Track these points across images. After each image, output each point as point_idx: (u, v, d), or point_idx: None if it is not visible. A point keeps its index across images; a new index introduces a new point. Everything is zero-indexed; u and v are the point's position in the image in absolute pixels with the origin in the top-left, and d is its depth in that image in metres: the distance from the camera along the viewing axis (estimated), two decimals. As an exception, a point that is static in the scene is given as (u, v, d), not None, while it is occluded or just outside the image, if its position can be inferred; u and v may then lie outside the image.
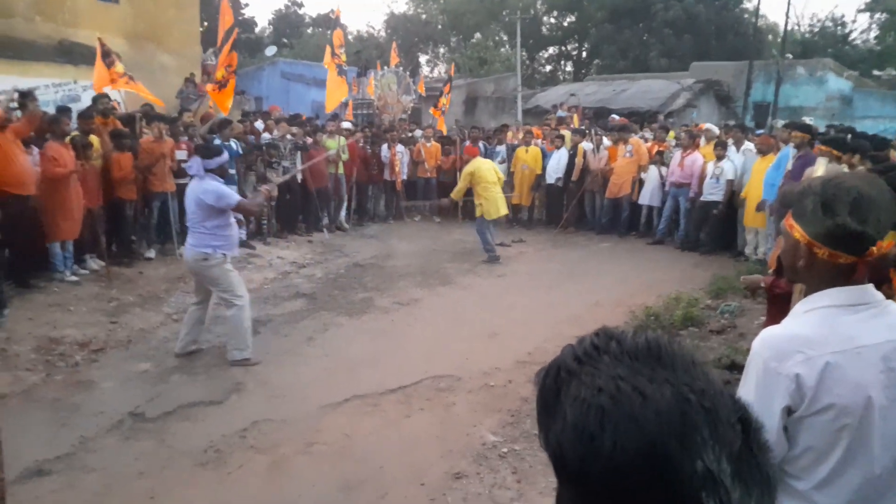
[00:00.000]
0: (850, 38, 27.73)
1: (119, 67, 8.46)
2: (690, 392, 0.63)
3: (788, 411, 1.43)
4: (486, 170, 8.70)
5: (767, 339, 1.48)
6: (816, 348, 1.40)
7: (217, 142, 8.57)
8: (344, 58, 11.24)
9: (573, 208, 10.80)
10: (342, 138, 10.54)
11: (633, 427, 0.61)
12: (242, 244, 8.81)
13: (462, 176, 8.88)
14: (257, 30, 39.00)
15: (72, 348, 5.36)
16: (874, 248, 1.39)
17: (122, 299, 6.57)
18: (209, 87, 9.62)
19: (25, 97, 6.10)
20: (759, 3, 25.18)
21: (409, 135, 12.07)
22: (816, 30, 28.63)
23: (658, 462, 0.60)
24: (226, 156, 5.33)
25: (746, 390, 1.47)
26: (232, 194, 5.26)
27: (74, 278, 6.79)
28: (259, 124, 10.59)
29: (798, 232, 1.46)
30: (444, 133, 13.05)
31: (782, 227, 1.55)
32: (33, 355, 5.17)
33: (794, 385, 1.40)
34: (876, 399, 1.38)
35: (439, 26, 34.54)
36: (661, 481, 0.60)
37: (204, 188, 5.08)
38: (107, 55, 8.47)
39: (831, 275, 1.44)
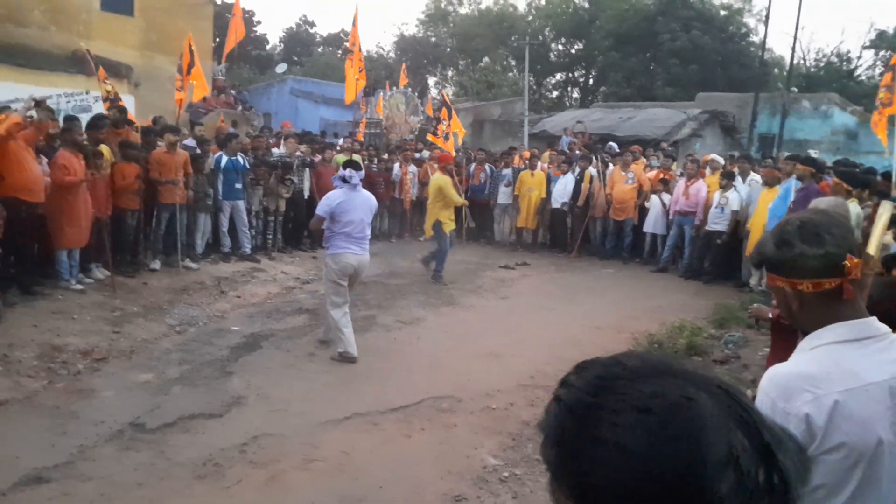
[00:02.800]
0: (856, 74, 27.98)
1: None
2: (718, 389, 0.65)
3: None
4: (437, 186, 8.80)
5: (775, 378, 1.48)
6: (824, 387, 1.39)
7: (222, 155, 8.66)
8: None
9: (581, 234, 10.83)
10: (358, 157, 10.66)
11: (696, 431, 0.60)
12: (247, 257, 8.87)
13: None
14: (268, 47, 39.47)
15: (74, 356, 5.36)
16: (847, 263, 1.42)
17: (125, 309, 6.58)
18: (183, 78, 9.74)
19: (39, 105, 6.17)
20: (765, 36, 25.50)
21: (417, 155, 12.16)
22: (822, 64, 28.90)
23: (727, 460, 0.60)
24: (363, 172, 6.04)
25: None
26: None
27: (79, 287, 6.80)
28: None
29: (778, 280, 1.51)
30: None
31: (767, 284, 1.60)
32: (35, 362, 5.16)
33: (805, 425, 1.39)
34: (885, 436, 1.38)
35: (448, 49, 34.93)
36: (735, 476, 0.60)
37: (367, 197, 5.76)
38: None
39: (826, 305, 1.46)
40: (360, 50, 12.04)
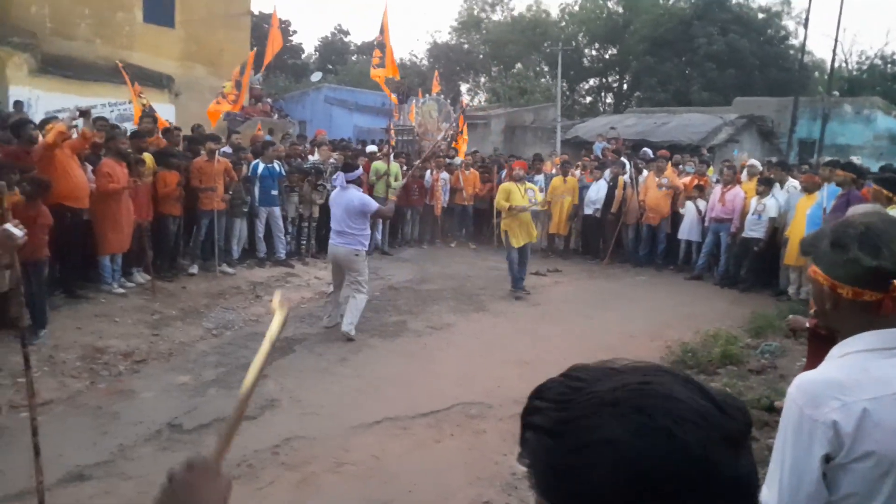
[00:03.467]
0: (901, 77, 27.14)
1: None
2: (661, 371, 0.71)
3: (827, 458, 1.41)
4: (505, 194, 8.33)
5: (802, 386, 1.46)
6: (852, 394, 1.37)
7: (259, 162, 8.86)
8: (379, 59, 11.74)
9: (614, 240, 10.73)
10: (396, 164, 10.82)
11: (665, 412, 0.65)
12: (281, 263, 9.03)
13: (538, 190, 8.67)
14: (304, 56, 40.16)
15: (115, 358, 5.53)
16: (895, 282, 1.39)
17: (164, 313, 6.77)
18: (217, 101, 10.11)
19: (85, 115, 6.41)
20: (805, 39, 24.95)
21: (448, 162, 12.23)
22: (865, 67, 28.11)
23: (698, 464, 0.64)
24: (361, 170, 6.82)
25: (784, 437, 1.45)
26: (371, 202, 6.50)
27: (121, 290, 7.03)
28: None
29: (820, 275, 1.47)
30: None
31: (808, 274, 1.56)
32: (79, 363, 5.35)
33: (832, 432, 1.37)
34: None
35: (481, 56, 35.03)
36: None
37: (350, 197, 6.36)
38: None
39: (861, 314, 1.43)
40: (385, 45, 12.00)
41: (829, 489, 1.43)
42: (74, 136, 6.43)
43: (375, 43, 11.88)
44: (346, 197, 6.39)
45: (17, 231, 2.81)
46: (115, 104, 13.48)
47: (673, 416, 0.64)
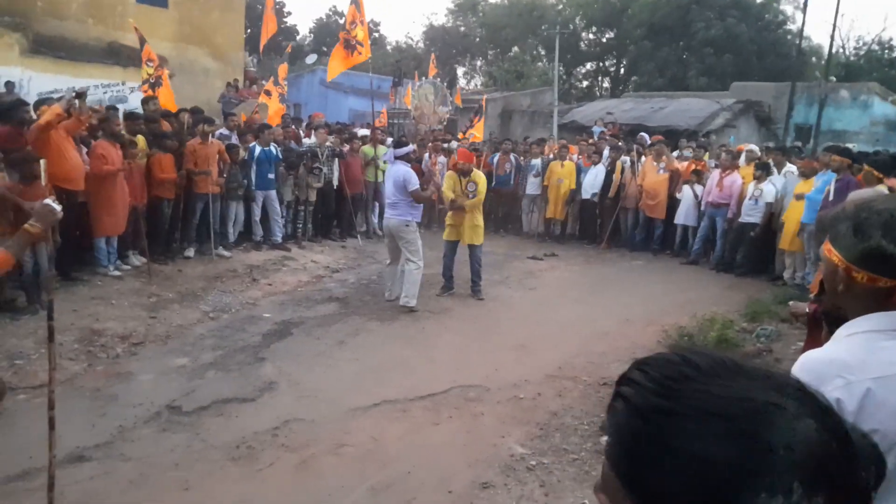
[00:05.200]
0: (898, 63, 27.10)
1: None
2: (798, 391, 0.62)
3: None
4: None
5: (806, 364, 1.47)
6: (856, 373, 1.39)
7: (255, 145, 8.79)
8: (356, 34, 11.04)
9: (611, 225, 10.74)
10: (383, 147, 10.72)
11: (781, 446, 0.57)
12: (278, 246, 9.00)
13: (482, 185, 7.46)
14: (298, 38, 39.76)
15: (113, 340, 5.52)
16: None
17: (161, 295, 6.75)
18: (262, 96, 10.03)
19: (80, 97, 6.34)
20: (803, 24, 24.85)
21: (445, 146, 12.17)
22: (862, 53, 28.04)
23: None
24: (411, 147, 7.42)
25: None
26: (413, 181, 6.75)
27: (117, 273, 7.00)
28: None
29: (836, 256, 1.46)
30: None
31: (821, 252, 1.55)
32: (76, 346, 5.34)
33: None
34: None
35: (477, 39, 34.79)
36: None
37: (398, 170, 6.78)
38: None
39: (872, 298, 1.44)
40: (354, 25, 11.13)
41: None
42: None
43: (350, 23, 10.85)
44: (394, 171, 6.85)
45: (56, 206, 2.92)
46: (109, 85, 13.33)
47: (794, 458, 0.56)
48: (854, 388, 1.38)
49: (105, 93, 13.00)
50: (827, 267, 1.52)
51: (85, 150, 6.84)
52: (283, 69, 10.50)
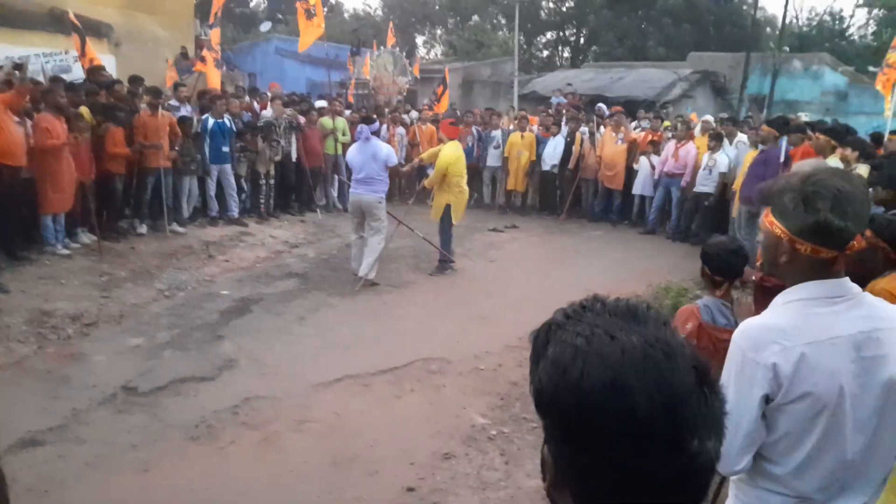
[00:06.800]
0: (848, 34, 27.71)
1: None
2: (655, 340, 0.71)
3: (766, 399, 1.49)
4: (462, 162, 7.41)
5: (746, 331, 1.54)
6: (792, 339, 1.45)
7: (209, 117, 8.53)
8: (312, 1, 10.84)
9: (571, 196, 10.83)
10: (341, 119, 10.53)
11: (598, 361, 0.69)
12: (235, 221, 8.82)
13: (439, 164, 7.24)
14: (252, 4, 38.44)
15: (63, 321, 5.36)
16: (854, 243, 1.44)
17: (113, 274, 6.56)
18: (198, 64, 9.65)
19: (20, 68, 6.03)
20: (758, -5, 25.09)
21: (405, 117, 12.03)
22: (814, 24, 28.59)
23: (618, 393, 0.68)
24: (377, 124, 7.62)
25: (726, 378, 1.53)
26: (394, 156, 7.02)
27: (66, 252, 6.76)
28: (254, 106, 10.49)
29: (779, 228, 1.50)
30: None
31: (761, 223, 1.59)
32: (25, 327, 5.17)
33: (772, 374, 1.46)
34: (847, 387, 1.45)
35: (437, 7, 34.20)
36: (620, 411, 0.68)
37: (377, 147, 6.81)
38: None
39: (812, 269, 1.49)
40: None
41: (768, 429, 1.52)
42: None
43: None
44: (372, 147, 6.76)
45: None
46: (51, 54, 12.68)
47: (592, 378, 0.70)
48: (789, 353, 1.45)
49: (47, 62, 12.37)
50: (768, 238, 1.56)
51: (29, 122, 6.52)
52: (215, 34, 10.07)
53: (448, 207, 7.36)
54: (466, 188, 7.74)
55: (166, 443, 3.76)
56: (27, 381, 4.41)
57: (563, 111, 12.61)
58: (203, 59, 9.78)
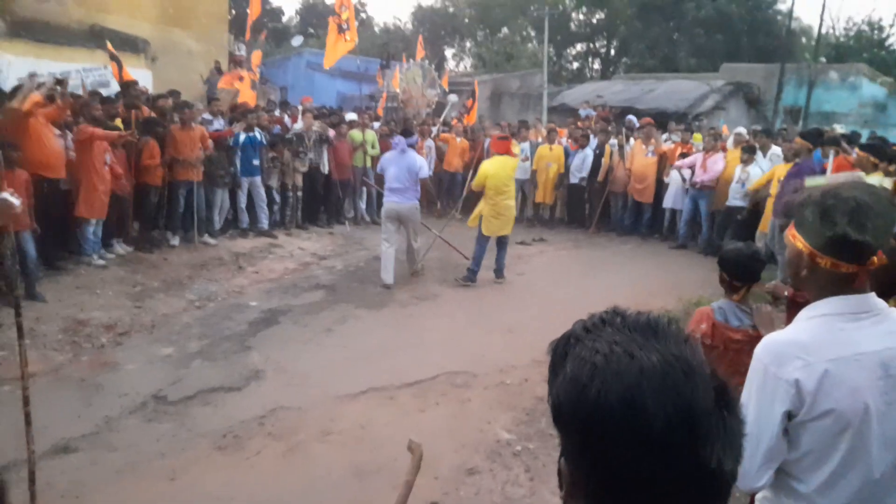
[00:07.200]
0: (887, 44, 27.07)
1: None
2: (675, 359, 0.71)
3: (789, 416, 1.46)
4: (501, 179, 7.21)
5: (768, 346, 1.51)
6: (815, 355, 1.43)
7: (238, 130, 8.69)
8: (345, 16, 11.12)
9: (599, 209, 10.73)
10: (371, 132, 10.64)
11: (617, 380, 0.69)
12: (264, 233, 8.95)
13: (479, 174, 7.29)
14: (284, 19, 39.18)
15: (98, 330, 5.49)
16: (874, 258, 1.41)
17: (146, 284, 6.71)
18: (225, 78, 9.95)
19: (61, 83, 6.24)
20: (793, 5, 24.73)
21: (435, 130, 12.09)
22: (852, 34, 27.98)
23: (635, 412, 0.68)
24: (416, 137, 8.51)
25: (748, 394, 1.50)
26: (426, 167, 7.53)
27: (101, 262, 6.94)
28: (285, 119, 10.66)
29: (800, 242, 1.49)
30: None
31: (785, 236, 1.57)
32: (60, 336, 5.31)
33: (794, 390, 1.43)
34: (873, 405, 1.41)
35: (466, 20, 34.40)
36: (637, 430, 0.68)
37: (413, 158, 7.21)
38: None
39: (834, 283, 1.47)
40: (343, 9, 11.25)
41: (791, 446, 1.48)
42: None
43: (339, 6, 10.99)
44: (408, 159, 7.12)
45: (14, 199, 2.82)
46: (90, 69, 13.07)
47: (607, 394, 0.70)
48: (812, 368, 1.42)
49: (87, 77, 12.77)
50: (791, 250, 1.54)
51: (70, 135, 6.71)
52: (256, 56, 10.37)
53: (481, 218, 7.39)
54: (504, 207, 7.30)
55: (194, 452, 3.81)
56: (62, 389, 4.52)
57: (592, 123, 12.54)
58: (241, 79, 10.02)
